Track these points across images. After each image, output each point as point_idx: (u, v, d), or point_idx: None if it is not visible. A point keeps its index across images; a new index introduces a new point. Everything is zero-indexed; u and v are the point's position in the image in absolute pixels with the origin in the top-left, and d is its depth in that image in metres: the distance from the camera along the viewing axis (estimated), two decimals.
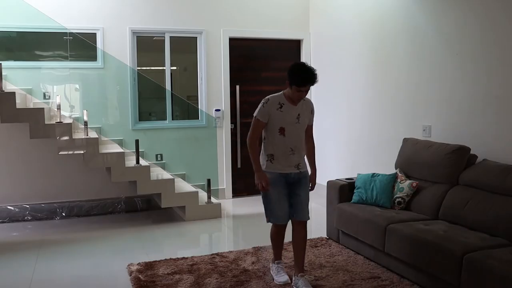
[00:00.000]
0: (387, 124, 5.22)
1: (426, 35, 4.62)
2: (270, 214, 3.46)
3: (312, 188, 3.66)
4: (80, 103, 5.85)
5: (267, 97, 3.48)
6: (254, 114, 3.45)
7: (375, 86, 5.41)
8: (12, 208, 5.46)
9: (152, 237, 4.87)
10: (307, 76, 3.30)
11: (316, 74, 3.33)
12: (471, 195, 3.68)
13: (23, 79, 5.51)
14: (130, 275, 3.73)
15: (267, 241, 3.85)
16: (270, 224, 3.60)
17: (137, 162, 5.39)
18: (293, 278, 3.50)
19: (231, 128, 6.51)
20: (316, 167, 3.73)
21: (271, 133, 3.44)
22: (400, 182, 4.23)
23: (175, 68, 6.43)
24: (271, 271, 3.68)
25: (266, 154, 3.47)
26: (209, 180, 5.64)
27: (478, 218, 3.51)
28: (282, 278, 3.53)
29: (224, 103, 6.42)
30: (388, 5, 5.13)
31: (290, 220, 3.51)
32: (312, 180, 3.65)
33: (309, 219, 3.51)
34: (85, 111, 5.36)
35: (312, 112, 3.60)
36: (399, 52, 4.99)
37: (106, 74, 5.91)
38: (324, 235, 4.69)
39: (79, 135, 5.29)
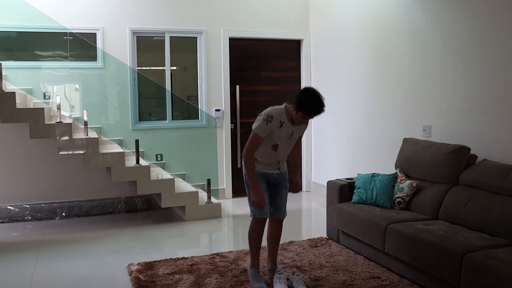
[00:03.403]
0: (387, 124, 5.22)
1: (426, 35, 4.62)
2: (253, 208, 3.49)
3: (298, 190, 3.76)
4: (80, 103, 5.85)
5: (270, 113, 3.33)
6: (254, 129, 3.33)
7: (375, 86, 5.41)
8: (12, 208, 5.46)
9: (152, 237, 4.87)
10: (318, 108, 3.25)
11: (324, 105, 3.28)
12: (471, 195, 3.68)
13: (23, 79, 5.52)
14: (130, 275, 3.73)
15: (266, 241, 3.85)
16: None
17: (137, 162, 5.39)
18: (267, 270, 3.70)
19: (231, 128, 6.51)
20: (305, 171, 3.70)
21: (264, 146, 3.41)
22: (400, 182, 4.23)
23: (175, 68, 6.43)
24: (250, 281, 3.54)
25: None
26: (209, 180, 5.64)
27: (478, 218, 3.51)
28: (260, 284, 3.47)
29: (224, 103, 6.42)
30: (388, 5, 5.13)
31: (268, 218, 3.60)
32: (296, 182, 3.74)
33: (286, 216, 3.66)
34: (85, 111, 5.36)
35: (306, 127, 3.62)
36: (399, 52, 4.99)
37: (106, 74, 5.91)
38: (324, 235, 4.69)
39: (79, 135, 5.29)
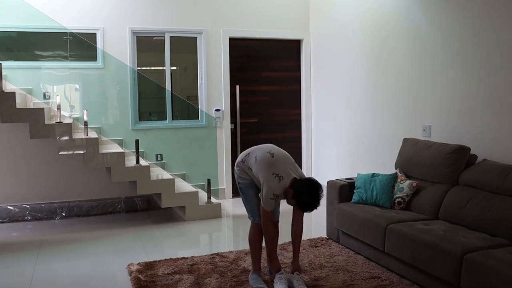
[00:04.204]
0: (387, 124, 5.22)
1: (426, 35, 4.62)
2: (253, 213, 3.52)
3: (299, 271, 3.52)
4: (80, 103, 5.85)
5: (275, 192, 3.27)
6: (265, 207, 3.29)
7: (375, 86, 5.41)
8: (12, 208, 5.46)
9: (152, 237, 4.87)
10: (313, 206, 3.26)
11: (319, 204, 3.28)
12: (471, 195, 3.68)
13: (23, 79, 5.51)
14: (130, 275, 3.73)
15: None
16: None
17: (137, 162, 5.38)
18: (268, 271, 3.61)
19: (231, 128, 6.51)
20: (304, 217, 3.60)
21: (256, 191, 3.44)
22: (400, 182, 4.23)
23: (175, 68, 6.43)
24: (251, 284, 3.53)
25: (242, 170, 3.47)
26: (209, 180, 5.64)
27: (478, 218, 3.51)
28: (261, 285, 3.49)
29: (224, 103, 6.42)
30: (388, 5, 5.13)
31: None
32: (297, 267, 3.51)
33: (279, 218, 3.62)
34: (85, 111, 5.36)
35: None
36: (399, 52, 4.99)
37: (106, 74, 5.91)
38: (324, 235, 4.69)
39: (79, 135, 5.29)
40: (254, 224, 3.56)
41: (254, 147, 3.54)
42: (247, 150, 3.55)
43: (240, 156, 3.54)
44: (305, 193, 3.24)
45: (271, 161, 3.32)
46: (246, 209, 3.58)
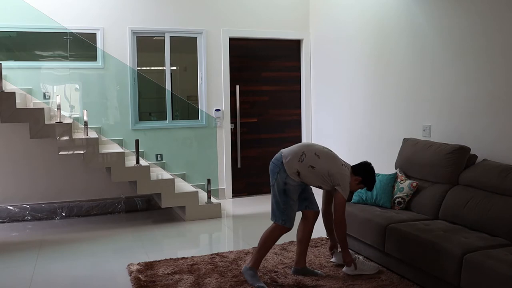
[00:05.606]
0: (387, 124, 5.22)
1: (427, 35, 4.62)
2: (287, 218, 3.50)
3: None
4: (80, 103, 5.85)
5: (349, 179, 3.53)
6: (344, 194, 3.47)
7: (375, 86, 5.41)
8: (12, 208, 5.46)
9: (152, 237, 4.87)
10: (375, 182, 3.70)
11: None
12: (471, 195, 3.68)
13: (23, 79, 5.51)
14: (130, 275, 3.73)
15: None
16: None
17: (137, 162, 5.38)
18: (298, 271, 3.72)
19: (231, 128, 6.51)
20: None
21: (319, 180, 3.52)
22: (400, 182, 4.23)
23: (175, 68, 6.43)
24: (249, 280, 3.54)
25: (296, 173, 3.45)
26: (209, 180, 5.64)
27: (478, 218, 3.51)
28: (261, 284, 3.49)
29: (224, 103, 6.42)
30: (389, 5, 5.13)
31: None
32: (349, 262, 3.73)
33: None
34: (85, 111, 5.36)
35: None
36: (400, 52, 4.99)
37: (106, 74, 5.91)
38: (324, 235, 4.67)
39: (79, 135, 5.29)
40: (280, 228, 3.52)
41: (298, 146, 3.58)
42: (293, 150, 3.52)
43: (290, 157, 3.47)
44: (369, 174, 3.61)
45: (332, 153, 3.58)
46: (281, 212, 3.48)
